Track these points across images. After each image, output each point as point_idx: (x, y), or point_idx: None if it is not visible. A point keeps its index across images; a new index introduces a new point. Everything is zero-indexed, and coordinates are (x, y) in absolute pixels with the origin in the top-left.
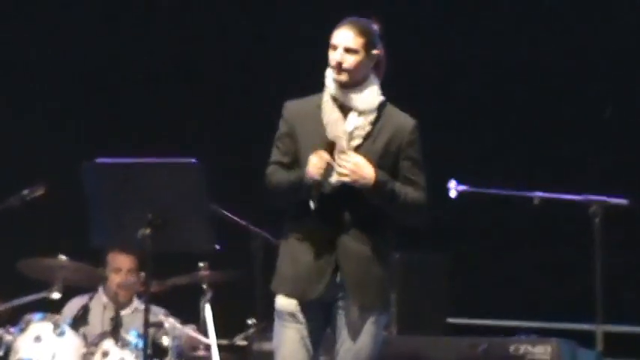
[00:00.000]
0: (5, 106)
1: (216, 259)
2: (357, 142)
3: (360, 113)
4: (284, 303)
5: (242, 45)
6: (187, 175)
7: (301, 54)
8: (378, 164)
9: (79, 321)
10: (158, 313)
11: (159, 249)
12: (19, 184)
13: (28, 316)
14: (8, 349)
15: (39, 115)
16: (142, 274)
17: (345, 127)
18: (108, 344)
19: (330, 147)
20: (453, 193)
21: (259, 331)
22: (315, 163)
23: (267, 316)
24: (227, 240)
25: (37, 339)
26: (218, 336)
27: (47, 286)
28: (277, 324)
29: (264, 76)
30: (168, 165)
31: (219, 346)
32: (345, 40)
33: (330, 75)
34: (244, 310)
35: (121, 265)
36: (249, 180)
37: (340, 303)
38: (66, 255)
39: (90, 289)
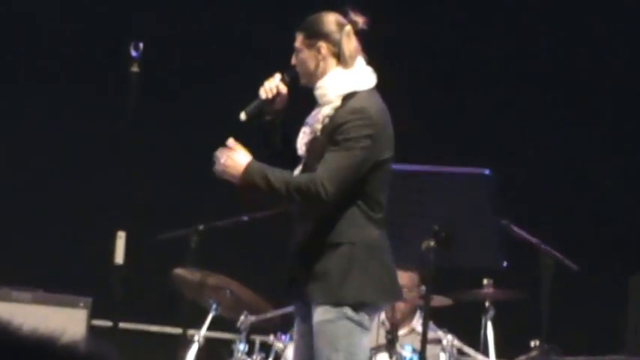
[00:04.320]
0: None
1: (501, 277)
2: (312, 135)
3: (323, 107)
4: None
5: None
6: (479, 186)
7: None
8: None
9: None
10: (436, 330)
11: (442, 263)
12: None
13: None
14: (277, 357)
15: None
16: (423, 287)
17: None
18: (382, 358)
19: None
20: None
21: (542, 354)
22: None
23: (553, 339)
24: (515, 257)
25: None
26: (498, 356)
27: None
28: None
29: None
30: (459, 175)
31: None
32: (295, 42)
33: None
34: (528, 331)
35: (400, 282)
36: (544, 196)
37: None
38: None
39: None
